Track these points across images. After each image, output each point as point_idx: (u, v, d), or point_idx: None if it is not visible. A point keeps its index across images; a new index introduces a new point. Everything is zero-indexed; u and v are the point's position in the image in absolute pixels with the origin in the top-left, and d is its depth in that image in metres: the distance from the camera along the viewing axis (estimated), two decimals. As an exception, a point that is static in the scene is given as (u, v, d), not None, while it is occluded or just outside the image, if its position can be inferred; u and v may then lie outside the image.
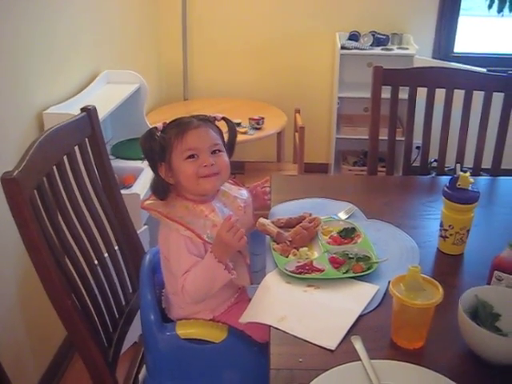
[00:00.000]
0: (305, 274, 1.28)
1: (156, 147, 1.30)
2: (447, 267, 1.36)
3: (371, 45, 3.51)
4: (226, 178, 1.39)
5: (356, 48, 3.46)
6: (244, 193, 1.47)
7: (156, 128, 1.33)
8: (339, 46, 3.44)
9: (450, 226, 1.37)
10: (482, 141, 2.00)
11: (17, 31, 1.83)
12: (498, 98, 1.97)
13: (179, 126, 1.32)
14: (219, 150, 1.34)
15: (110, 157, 1.74)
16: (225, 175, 1.36)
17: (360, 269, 1.30)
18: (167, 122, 1.35)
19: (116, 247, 1.58)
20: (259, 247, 1.46)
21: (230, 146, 1.41)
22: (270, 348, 1.09)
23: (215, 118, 1.39)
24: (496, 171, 2.01)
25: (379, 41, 3.52)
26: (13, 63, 1.82)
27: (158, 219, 1.34)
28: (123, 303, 1.57)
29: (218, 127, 1.38)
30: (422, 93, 2.02)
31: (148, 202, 1.36)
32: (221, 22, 3.71)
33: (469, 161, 2.02)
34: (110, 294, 1.48)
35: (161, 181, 1.33)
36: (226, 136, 1.41)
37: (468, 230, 1.38)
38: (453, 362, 1.06)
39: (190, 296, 1.28)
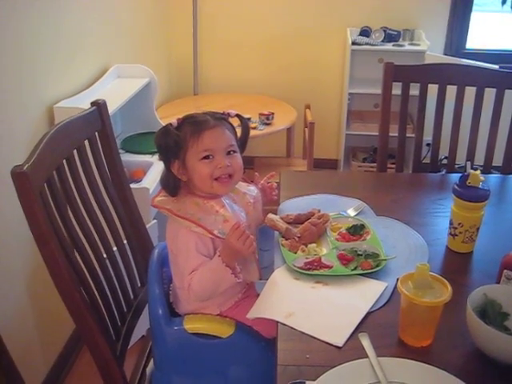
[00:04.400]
0: (313, 271, 1.28)
1: (171, 144, 1.29)
2: (456, 265, 1.36)
3: (382, 41, 3.49)
4: (239, 179, 1.39)
5: (367, 44, 3.44)
6: (253, 189, 1.47)
7: (171, 124, 1.32)
8: (350, 41, 3.43)
9: (459, 223, 1.36)
10: (493, 138, 1.99)
11: (24, 26, 1.84)
12: (510, 95, 1.95)
13: (195, 125, 1.31)
14: (234, 151, 1.34)
15: (120, 151, 1.74)
16: (238, 177, 1.36)
17: (368, 266, 1.29)
18: (181, 117, 1.35)
19: (125, 241, 1.58)
20: (268, 243, 1.46)
21: (243, 144, 1.40)
22: (277, 344, 1.09)
23: (229, 115, 1.38)
24: (507, 169, 2.00)
25: (390, 37, 3.50)
26: (21, 57, 1.83)
27: (168, 216, 1.34)
28: (131, 297, 1.57)
29: (232, 125, 1.37)
30: (433, 89, 2.00)
31: (158, 198, 1.36)
32: (231, 17, 3.70)
33: (479, 158, 2.00)
34: (118, 287, 1.49)
35: (172, 177, 1.33)
36: (238, 130, 1.40)
37: (478, 228, 1.37)
38: (460, 360, 1.05)
39: (196, 295, 1.29)
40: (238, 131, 1.41)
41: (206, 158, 1.30)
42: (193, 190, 1.35)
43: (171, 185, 1.34)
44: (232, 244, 1.24)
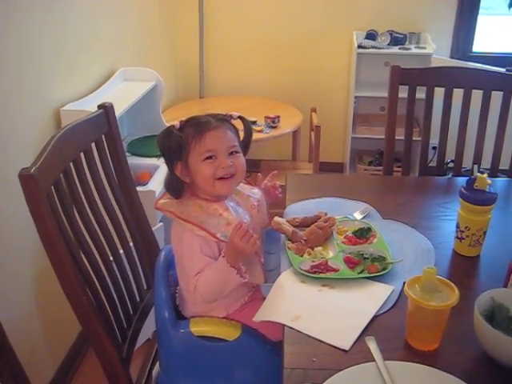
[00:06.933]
0: (319, 274, 1.28)
1: (173, 146, 1.30)
2: (463, 269, 1.35)
3: (388, 44, 3.49)
4: (241, 179, 1.39)
5: (373, 47, 3.44)
6: (257, 191, 1.47)
7: (173, 126, 1.32)
8: (356, 44, 3.43)
9: (466, 227, 1.36)
10: (500, 141, 1.98)
11: (29, 28, 1.84)
12: (516, 99, 1.95)
13: (197, 126, 1.31)
14: (236, 152, 1.34)
15: (126, 154, 1.74)
16: (240, 177, 1.36)
17: (375, 269, 1.29)
18: (183, 119, 1.35)
19: (131, 244, 1.59)
20: (274, 246, 1.46)
21: (245, 145, 1.40)
22: (283, 347, 1.09)
23: (231, 117, 1.38)
24: (514, 172, 2.00)
25: (397, 40, 3.50)
26: (27, 60, 1.83)
27: (172, 219, 1.34)
28: (138, 300, 1.57)
29: (234, 127, 1.38)
30: (439, 92, 2.00)
31: (162, 201, 1.36)
32: (237, 21, 3.71)
33: (486, 162, 1.99)
34: (124, 290, 1.49)
35: (176, 179, 1.33)
36: (241, 134, 1.41)
37: (485, 232, 1.36)
38: (468, 364, 1.05)
39: (202, 296, 1.29)
40: (242, 134, 1.41)
41: (209, 158, 1.30)
42: (196, 193, 1.35)
43: (175, 187, 1.34)
44: (235, 244, 1.24)
